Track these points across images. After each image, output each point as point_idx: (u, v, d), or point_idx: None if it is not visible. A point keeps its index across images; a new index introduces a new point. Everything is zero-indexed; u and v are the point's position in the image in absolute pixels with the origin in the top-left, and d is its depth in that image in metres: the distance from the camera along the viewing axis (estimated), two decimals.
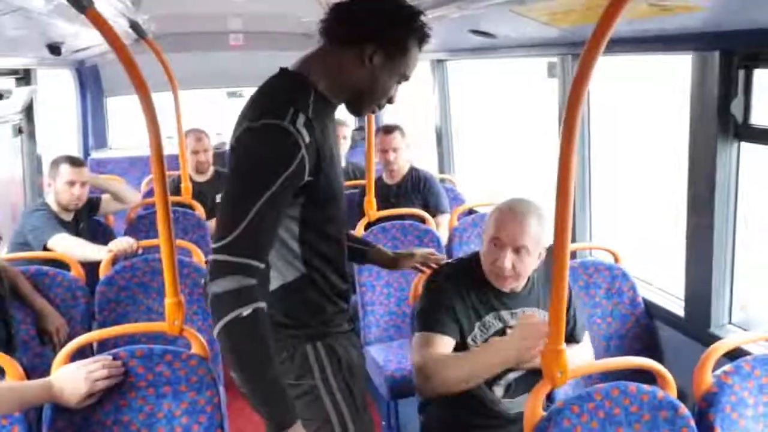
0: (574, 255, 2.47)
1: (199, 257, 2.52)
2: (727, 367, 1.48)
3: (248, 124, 1.24)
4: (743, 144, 1.86)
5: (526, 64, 3.37)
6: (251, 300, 1.17)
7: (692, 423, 1.39)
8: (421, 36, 1.36)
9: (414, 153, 3.31)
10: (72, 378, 1.40)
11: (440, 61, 3.97)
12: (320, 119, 1.29)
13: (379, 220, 2.80)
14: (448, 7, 2.12)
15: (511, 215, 1.58)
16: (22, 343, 2.10)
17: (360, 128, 4.56)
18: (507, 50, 2.90)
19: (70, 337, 2.05)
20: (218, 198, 3.33)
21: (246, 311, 1.16)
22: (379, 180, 3.18)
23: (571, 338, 1.70)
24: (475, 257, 1.68)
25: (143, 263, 2.32)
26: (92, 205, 2.99)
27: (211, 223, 3.16)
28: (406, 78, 1.39)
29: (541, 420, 1.36)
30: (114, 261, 2.44)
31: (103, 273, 2.36)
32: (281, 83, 1.33)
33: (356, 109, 1.42)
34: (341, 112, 1.45)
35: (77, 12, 1.37)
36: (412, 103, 4.11)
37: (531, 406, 1.37)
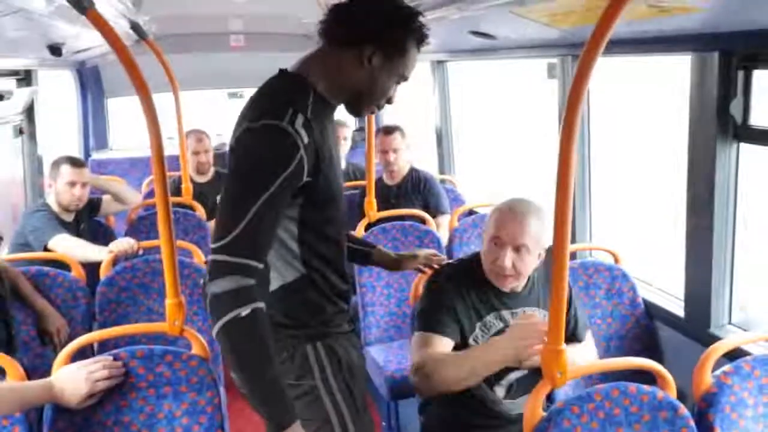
0: (574, 256, 2.47)
1: (199, 258, 2.53)
2: (726, 367, 1.48)
3: (247, 125, 1.24)
4: (742, 145, 1.86)
5: (526, 65, 3.37)
6: (250, 300, 1.18)
7: (692, 423, 1.39)
8: (419, 37, 1.36)
9: (413, 154, 3.31)
10: (73, 378, 1.41)
11: (440, 62, 3.97)
12: (319, 120, 1.30)
13: (380, 220, 2.81)
14: (448, 9, 2.13)
15: (511, 215, 1.59)
16: (23, 344, 2.10)
17: (360, 129, 4.57)
18: (507, 51, 2.91)
19: (70, 338, 2.06)
20: (219, 199, 3.33)
21: (245, 311, 1.17)
22: (379, 181, 3.18)
23: (574, 337, 1.70)
24: (475, 258, 1.68)
25: (144, 264, 2.33)
26: (93, 205, 2.99)
27: (212, 224, 3.15)
28: (404, 78, 1.40)
29: (541, 420, 1.36)
30: (115, 262, 2.45)
31: (103, 274, 2.36)
32: (280, 84, 1.34)
33: (355, 110, 1.42)
34: (342, 112, 1.46)
35: (78, 13, 1.38)
36: (410, 103, 4.11)
37: (531, 407, 1.37)
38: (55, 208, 2.72)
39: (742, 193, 1.91)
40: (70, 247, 2.53)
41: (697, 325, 2.00)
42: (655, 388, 1.41)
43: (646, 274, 2.41)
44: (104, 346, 2.00)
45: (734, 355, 1.57)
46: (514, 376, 1.63)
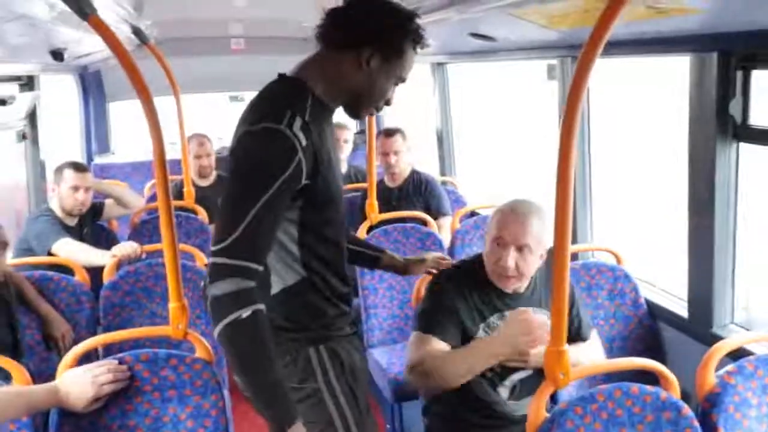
0: (576, 257, 2.48)
1: (202, 261, 2.53)
2: (729, 367, 1.48)
3: (247, 128, 1.26)
4: (742, 144, 1.86)
5: (526, 66, 3.38)
6: (250, 302, 1.19)
7: (696, 423, 1.39)
8: (416, 38, 1.37)
9: (413, 155, 3.32)
10: (78, 382, 1.41)
11: (440, 64, 3.98)
12: (317, 123, 1.31)
13: (381, 223, 2.81)
14: (448, 11, 2.13)
15: (513, 215, 1.60)
16: (29, 348, 2.11)
17: (361, 131, 4.57)
18: (507, 53, 2.91)
19: (75, 342, 2.06)
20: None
21: (245, 313, 1.18)
22: (380, 183, 3.18)
23: (578, 337, 1.71)
24: (478, 259, 1.69)
25: (147, 268, 2.33)
26: (96, 210, 3.00)
27: (214, 228, 3.16)
28: (402, 80, 1.41)
29: (544, 422, 1.36)
30: (118, 266, 2.45)
31: (107, 278, 2.37)
32: (279, 88, 1.35)
33: (354, 112, 1.43)
34: (342, 115, 1.47)
35: (80, 19, 1.39)
36: (409, 105, 4.12)
37: (534, 408, 1.38)
38: (58, 212, 2.73)
39: (743, 192, 1.91)
40: (73, 252, 2.54)
41: (700, 325, 2.00)
42: (658, 389, 1.41)
43: (648, 274, 2.41)
44: (109, 349, 2.00)
45: (737, 354, 1.57)
46: (517, 377, 1.64)
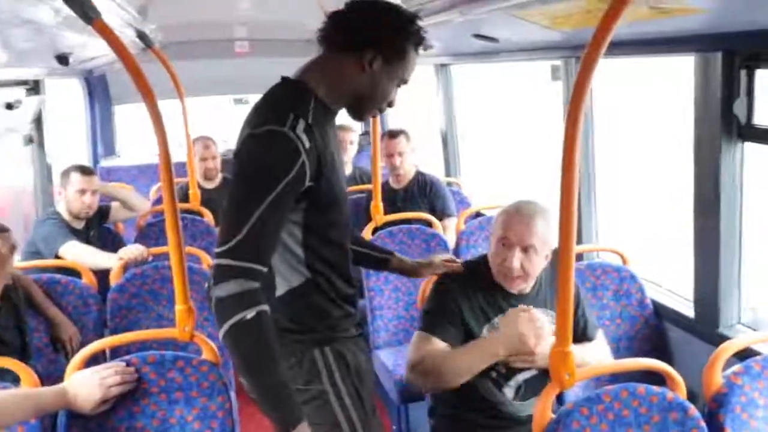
0: (581, 257, 2.47)
1: (208, 264, 2.54)
2: (736, 367, 1.48)
3: (250, 131, 1.27)
4: (747, 144, 1.86)
5: (531, 66, 3.38)
6: (255, 303, 1.19)
7: (702, 424, 1.39)
8: (418, 40, 1.38)
9: (417, 157, 3.32)
10: (86, 384, 1.42)
11: (444, 66, 3.98)
12: (320, 125, 1.32)
13: (386, 224, 2.82)
14: (451, 13, 2.13)
15: (518, 216, 1.60)
16: (37, 351, 2.12)
17: (366, 133, 4.58)
18: (510, 54, 2.91)
19: (82, 344, 2.07)
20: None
21: (250, 314, 1.18)
22: (385, 184, 3.19)
23: (584, 337, 1.71)
24: (483, 260, 1.69)
25: (153, 270, 2.35)
26: (102, 213, 3.02)
27: (219, 230, 3.17)
28: (405, 81, 1.42)
29: (550, 422, 1.36)
30: (125, 268, 2.47)
31: (114, 280, 2.38)
32: (282, 92, 1.36)
33: (357, 114, 1.44)
34: (347, 117, 1.47)
35: (85, 23, 1.40)
36: (412, 106, 4.13)
37: (540, 409, 1.38)
38: (65, 215, 2.75)
39: (749, 192, 1.90)
40: (80, 255, 2.56)
41: (706, 325, 2.00)
42: (664, 389, 1.41)
43: (653, 270, 2.40)
44: (116, 352, 2.01)
45: (744, 355, 1.57)
46: (522, 377, 1.64)
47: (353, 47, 1.34)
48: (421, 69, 1.46)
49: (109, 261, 2.52)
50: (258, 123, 1.27)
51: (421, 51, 1.43)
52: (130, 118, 4.84)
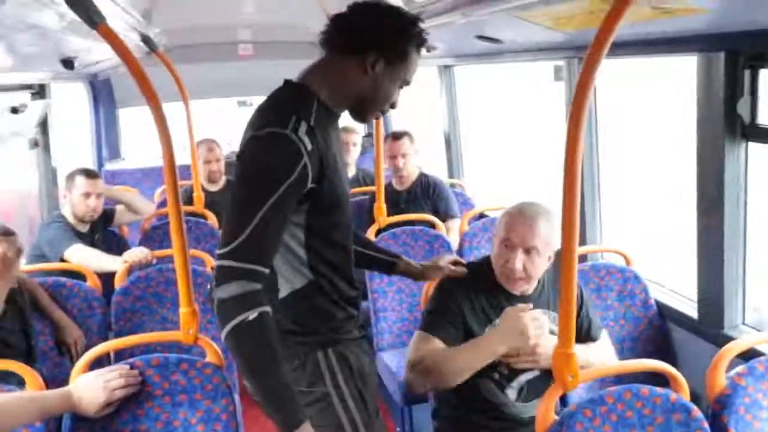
0: (585, 258, 2.47)
1: (212, 266, 2.53)
2: (740, 368, 1.47)
3: (253, 134, 1.28)
4: (751, 144, 1.85)
5: (534, 67, 3.38)
6: (256, 304, 1.20)
7: (706, 425, 1.39)
8: (419, 42, 1.39)
9: (419, 158, 3.32)
10: (90, 387, 1.43)
11: (447, 67, 3.98)
12: (322, 127, 1.32)
13: (390, 226, 2.82)
14: (454, 14, 2.14)
15: (521, 218, 1.60)
16: (42, 354, 2.14)
17: (369, 135, 4.59)
18: (513, 55, 2.91)
19: (87, 347, 2.08)
20: None
21: (252, 315, 1.19)
22: (388, 186, 3.19)
23: (588, 338, 1.70)
24: (486, 261, 1.69)
25: (157, 273, 2.36)
26: (107, 216, 3.03)
27: (221, 231, 3.18)
28: (407, 83, 1.42)
29: (553, 424, 1.36)
30: (129, 271, 2.48)
31: (118, 283, 2.39)
32: (284, 95, 1.37)
33: (360, 116, 1.45)
34: (350, 119, 1.48)
35: (89, 28, 1.41)
36: (414, 108, 4.13)
37: (543, 410, 1.38)
38: (70, 219, 2.76)
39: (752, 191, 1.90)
40: (85, 258, 2.57)
41: (710, 325, 1.99)
42: (668, 390, 1.41)
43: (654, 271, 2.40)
44: (120, 355, 2.02)
45: (748, 355, 1.56)
46: (524, 378, 1.64)
47: (355, 50, 1.35)
48: (422, 70, 1.46)
49: (114, 264, 2.53)
50: (260, 125, 1.29)
51: (424, 52, 1.43)
52: (135, 121, 4.86)
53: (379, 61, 1.34)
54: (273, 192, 1.22)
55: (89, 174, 2.80)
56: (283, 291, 1.37)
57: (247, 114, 1.40)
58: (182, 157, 3.19)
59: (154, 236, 3.12)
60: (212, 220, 3.30)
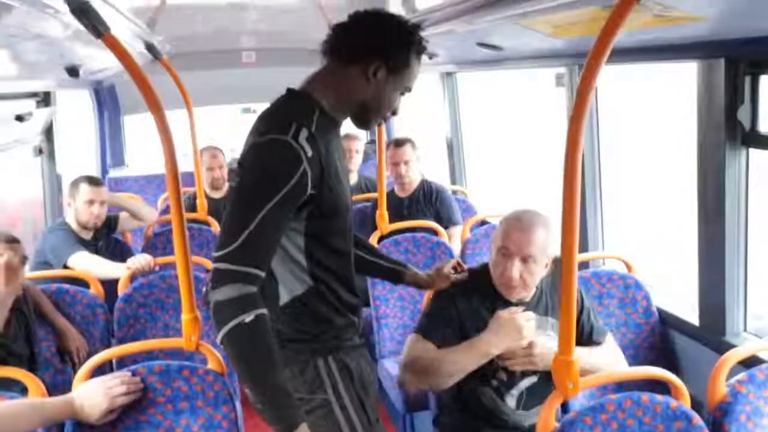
0: (587, 265, 2.47)
1: None
2: (741, 375, 1.47)
3: (254, 140, 1.31)
4: (751, 151, 1.85)
5: (537, 72, 3.39)
6: (252, 307, 1.21)
7: None
8: (420, 49, 1.40)
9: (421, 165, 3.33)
10: (92, 394, 1.44)
11: (449, 74, 4.00)
12: (324, 134, 1.34)
13: (392, 233, 2.82)
14: (455, 22, 2.15)
15: (518, 225, 1.61)
16: (45, 361, 2.14)
17: (372, 142, 4.60)
18: (515, 62, 2.92)
19: (90, 354, 2.09)
20: None
21: (248, 317, 1.20)
22: (391, 193, 3.20)
23: (591, 342, 1.70)
24: (485, 268, 1.70)
25: (160, 280, 2.36)
26: (110, 223, 3.04)
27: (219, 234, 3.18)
28: (409, 90, 1.44)
29: (554, 431, 1.36)
30: (132, 278, 2.49)
31: (121, 290, 2.40)
32: (286, 102, 1.39)
33: (363, 123, 1.46)
34: (352, 126, 1.49)
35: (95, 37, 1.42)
36: (414, 115, 4.14)
37: (544, 418, 1.38)
38: (74, 226, 2.77)
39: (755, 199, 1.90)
40: (88, 265, 2.58)
41: (712, 333, 1.98)
42: (668, 398, 1.41)
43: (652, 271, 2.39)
44: (122, 361, 2.03)
45: (750, 363, 1.56)
46: (524, 384, 1.64)
47: (357, 58, 1.36)
48: (424, 77, 1.47)
49: (117, 271, 2.54)
50: (262, 132, 1.31)
51: (426, 59, 1.44)
52: (140, 127, 4.88)
53: (380, 68, 1.36)
54: (272, 196, 1.23)
55: (93, 181, 2.82)
56: (284, 298, 1.38)
57: (251, 121, 1.42)
58: (185, 164, 3.21)
59: (157, 243, 3.13)
60: (215, 227, 3.30)
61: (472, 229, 2.98)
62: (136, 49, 2.67)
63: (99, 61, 2.77)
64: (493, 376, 1.62)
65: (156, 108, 1.48)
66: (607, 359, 1.68)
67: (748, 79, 1.77)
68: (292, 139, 1.26)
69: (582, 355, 1.42)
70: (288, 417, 1.22)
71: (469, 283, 1.69)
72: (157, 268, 2.58)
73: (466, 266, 1.77)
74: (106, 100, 4.56)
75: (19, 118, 2.76)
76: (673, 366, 2.08)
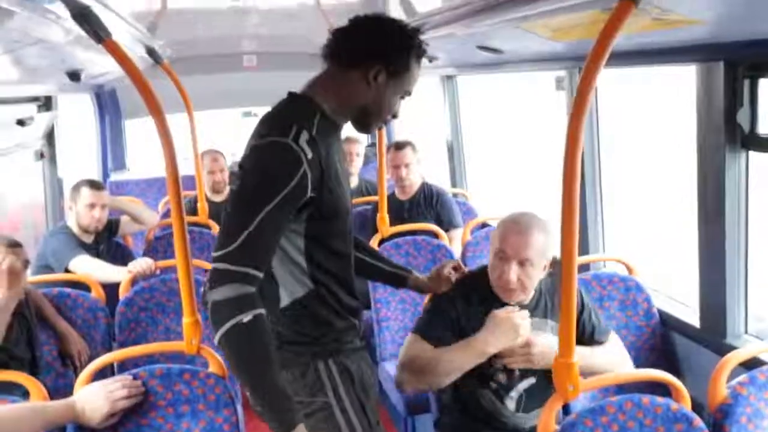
0: (587, 267, 2.47)
1: None
2: (741, 377, 1.47)
3: (255, 143, 1.32)
4: (751, 153, 1.86)
5: (537, 76, 3.39)
6: (250, 307, 1.21)
7: None
8: (420, 53, 1.41)
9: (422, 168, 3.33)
10: (94, 398, 1.44)
11: (450, 77, 4.00)
12: (324, 137, 1.34)
13: (393, 236, 2.83)
14: (455, 26, 2.16)
15: (515, 228, 1.61)
16: (46, 365, 2.15)
17: (372, 145, 4.60)
18: (515, 65, 2.93)
19: (91, 358, 2.10)
20: None
21: (246, 318, 1.20)
22: (391, 196, 3.20)
23: (594, 342, 1.70)
24: (483, 271, 1.70)
25: (161, 284, 2.37)
26: (111, 226, 3.05)
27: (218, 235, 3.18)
28: (408, 93, 1.45)
29: None
30: (133, 282, 2.49)
31: (122, 294, 2.41)
32: (287, 106, 1.40)
33: (363, 127, 1.47)
34: (353, 129, 1.50)
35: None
36: (414, 118, 4.14)
37: (544, 421, 1.38)
38: (75, 229, 2.78)
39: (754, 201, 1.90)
40: (90, 268, 2.58)
41: (712, 335, 1.99)
42: (668, 400, 1.41)
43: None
44: (124, 365, 2.03)
45: (751, 364, 1.56)
46: (522, 386, 1.64)
47: (358, 62, 1.37)
48: (423, 80, 1.48)
49: (118, 274, 2.54)
50: (262, 135, 1.32)
51: (427, 63, 1.45)
52: (141, 130, 4.89)
53: (381, 72, 1.36)
54: (271, 198, 1.24)
55: (94, 185, 2.82)
56: (284, 300, 1.38)
57: (252, 124, 1.42)
58: (186, 168, 3.22)
59: (158, 246, 3.13)
60: (216, 230, 3.31)
61: (473, 232, 2.99)
62: (137, 54, 2.68)
63: (100, 65, 2.78)
64: (492, 378, 1.62)
65: (157, 112, 1.49)
66: (610, 359, 1.67)
67: (747, 82, 1.78)
68: (293, 142, 1.27)
69: (584, 355, 1.42)
70: (286, 417, 1.22)
71: (469, 285, 1.69)
72: (158, 272, 2.59)
73: (466, 269, 1.77)
74: (107, 104, 4.57)
75: (21, 122, 2.77)
76: (674, 368, 2.08)
